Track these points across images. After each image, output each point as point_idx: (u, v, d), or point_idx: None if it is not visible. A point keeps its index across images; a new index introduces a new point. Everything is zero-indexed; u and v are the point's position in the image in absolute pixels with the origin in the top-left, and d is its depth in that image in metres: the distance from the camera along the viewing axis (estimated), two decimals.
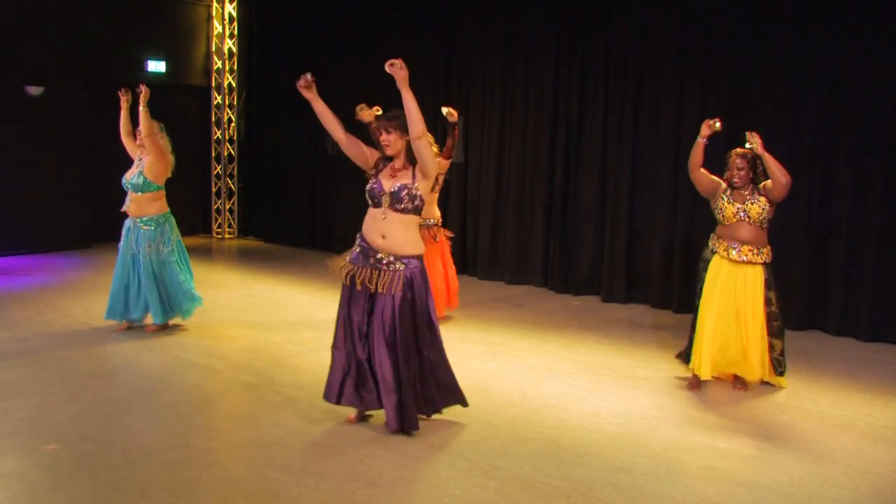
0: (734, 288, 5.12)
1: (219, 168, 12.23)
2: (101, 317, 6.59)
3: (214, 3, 11.94)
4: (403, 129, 4.28)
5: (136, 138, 6.41)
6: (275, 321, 6.88)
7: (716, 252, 5.21)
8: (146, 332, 6.31)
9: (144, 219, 6.23)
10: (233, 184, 12.34)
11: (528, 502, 3.57)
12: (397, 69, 4.15)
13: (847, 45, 6.66)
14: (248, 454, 4.06)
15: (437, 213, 6.76)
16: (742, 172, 5.07)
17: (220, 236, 12.26)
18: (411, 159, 4.30)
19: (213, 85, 12.11)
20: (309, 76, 4.32)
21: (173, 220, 6.41)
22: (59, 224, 10.25)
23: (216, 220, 12.31)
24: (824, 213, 6.90)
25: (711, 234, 5.34)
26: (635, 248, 8.02)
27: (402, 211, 4.24)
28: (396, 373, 4.21)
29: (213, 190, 12.27)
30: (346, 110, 11.18)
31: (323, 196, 11.12)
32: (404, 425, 4.23)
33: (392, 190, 4.25)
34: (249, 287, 8.47)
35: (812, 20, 6.83)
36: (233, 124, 12.27)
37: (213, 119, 12.17)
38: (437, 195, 6.58)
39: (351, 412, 4.48)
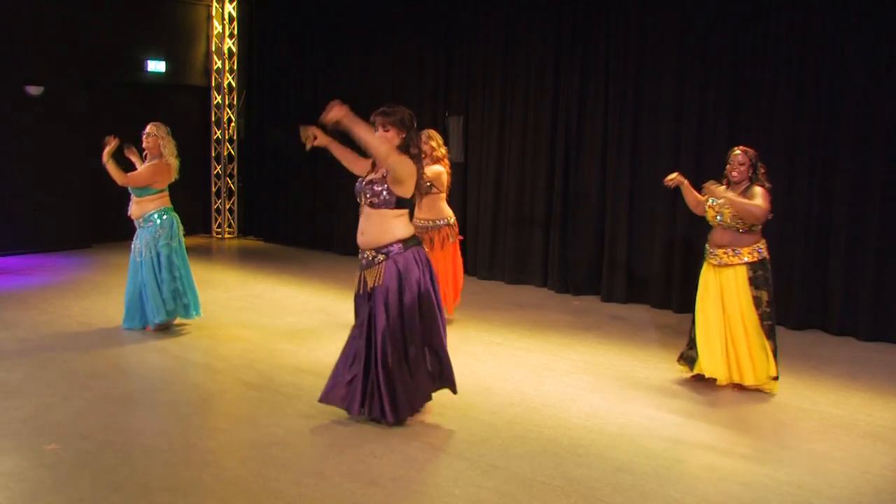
0: (720, 292, 5.16)
1: (219, 168, 12.23)
2: (101, 316, 6.59)
3: (214, 3, 11.94)
4: (401, 125, 4.29)
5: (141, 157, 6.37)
6: (275, 321, 6.88)
7: (705, 257, 5.30)
8: (145, 332, 6.31)
9: (145, 216, 6.23)
10: (233, 183, 12.34)
11: (527, 502, 3.57)
12: (335, 112, 4.07)
13: (847, 44, 6.66)
14: (247, 454, 4.06)
15: (447, 212, 6.54)
16: (743, 168, 5.08)
17: (219, 236, 12.26)
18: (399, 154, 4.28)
19: (213, 85, 12.10)
20: (309, 136, 4.38)
21: (176, 216, 6.37)
22: (58, 224, 10.25)
23: (216, 219, 12.31)
24: (824, 213, 6.89)
25: None
26: (635, 248, 8.02)
27: (372, 205, 4.29)
28: (371, 359, 4.28)
29: (213, 190, 12.27)
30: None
31: (323, 196, 11.11)
32: (370, 411, 4.31)
33: (361, 185, 4.33)
34: (249, 287, 8.47)
35: (812, 20, 6.83)
36: (233, 124, 12.27)
37: (213, 119, 12.17)
38: (440, 196, 6.47)
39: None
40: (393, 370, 4.26)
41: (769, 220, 5.14)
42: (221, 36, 11.99)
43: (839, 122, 6.74)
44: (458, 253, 6.77)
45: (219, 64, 12.04)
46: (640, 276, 8.00)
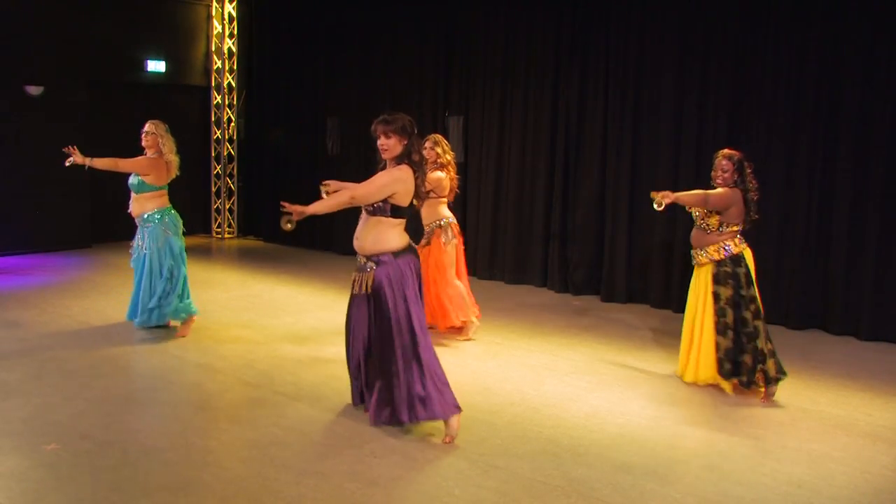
0: (698, 295, 5.22)
1: (218, 168, 12.22)
2: (101, 316, 6.59)
3: (214, 3, 11.93)
4: (402, 132, 4.26)
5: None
6: (275, 321, 6.88)
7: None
8: (144, 329, 6.31)
9: (144, 216, 6.22)
10: (232, 183, 12.33)
11: (527, 502, 3.58)
12: (295, 216, 4.28)
13: (847, 45, 6.66)
14: (247, 454, 4.07)
15: (445, 213, 6.42)
16: (726, 175, 5.08)
17: (219, 236, 12.25)
18: (399, 162, 4.27)
19: (213, 84, 12.10)
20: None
21: (176, 215, 6.34)
22: (58, 224, 10.24)
23: (216, 219, 12.30)
24: (824, 212, 6.89)
25: None
26: (635, 248, 8.02)
27: (370, 212, 4.29)
28: (371, 368, 4.32)
29: (213, 189, 12.26)
30: (346, 111, 11.24)
31: (323, 196, 11.09)
32: (376, 420, 4.32)
33: None
34: (249, 287, 8.47)
35: (812, 20, 6.83)
36: (232, 124, 12.26)
37: (213, 119, 12.16)
38: (440, 200, 6.41)
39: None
40: (377, 375, 4.29)
41: (761, 220, 5.22)
42: (221, 36, 11.99)
43: (839, 121, 6.74)
44: (462, 258, 6.67)
45: (218, 64, 12.03)
46: (640, 277, 8.01)
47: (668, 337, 6.57)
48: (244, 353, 5.84)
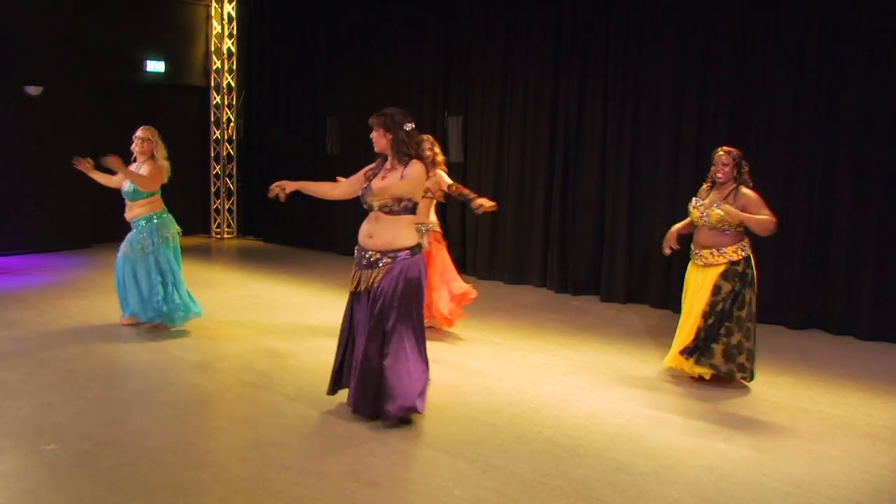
0: (698, 291, 5.21)
1: (218, 168, 12.22)
2: (100, 316, 6.59)
3: (213, 3, 11.93)
4: (386, 126, 4.33)
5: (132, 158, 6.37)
6: (274, 321, 6.88)
7: (691, 257, 5.35)
8: (143, 329, 6.33)
9: (136, 219, 6.27)
10: (232, 183, 12.33)
11: (527, 502, 3.58)
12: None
13: (847, 45, 6.66)
14: (247, 454, 4.07)
15: (431, 219, 6.49)
16: (727, 168, 5.12)
17: (219, 236, 12.25)
18: (400, 158, 4.31)
19: (212, 85, 12.10)
20: (276, 191, 4.53)
21: (167, 218, 6.36)
22: (58, 224, 10.24)
23: (215, 219, 12.30)
24: (824, 212, 6.90)
25: None
26: (635, 248, 8.02)
27: (390, 213, 4.29)
28: (364, 357, 4.29)
29: (213, 190, 12.26)
30: (346, 111, 11.23)
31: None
32: (356, 407, 4.35)
33: (373, 192, 4.30)
34: (248, 287, 8.47)
35: (812, 20, 6.83)
36: (232, 124, 12.26)
37: (212, 119, 12.16)
38: (430, 203, 6.44)
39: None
40: (384, 368, 4.28)
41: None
42: (221, 36, 11.99)
43: (839, 121, 6.74)
44: (447, 261, 6.65)
45: (218, 64, 12.03)
46: (640, 276, 8.01)
47: (668, 337, 6.54)
48: (243, 354, 5.84)
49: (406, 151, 4.31)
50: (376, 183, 4.31)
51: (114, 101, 10.87)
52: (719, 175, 5.13)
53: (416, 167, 4.28)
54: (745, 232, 5.15)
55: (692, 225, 5.33)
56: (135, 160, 6.30)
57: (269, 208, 11.92)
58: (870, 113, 6.58)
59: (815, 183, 6.90)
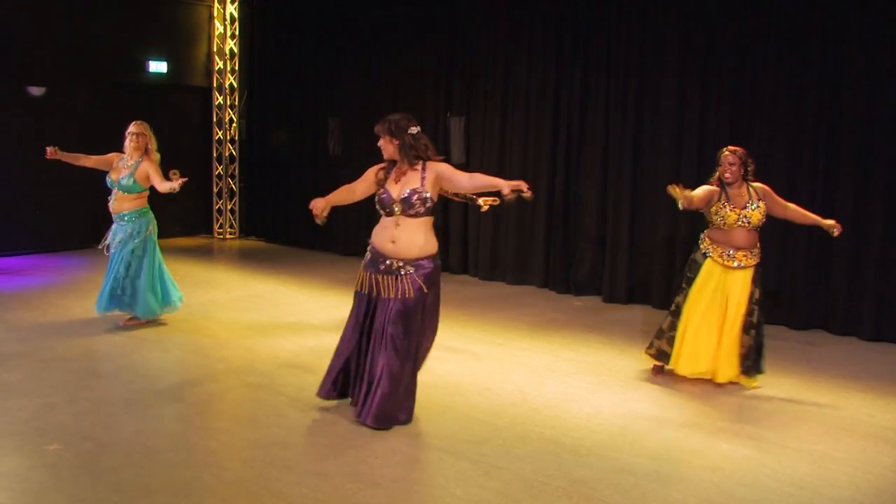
0: (725, 293, 5.15)
1: (220, 168, 12.22)
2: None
3: (216, 4, 11.93)
4: (391, 133, 4.34)
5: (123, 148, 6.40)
6: (276, 321, 6.88)
7: (709, 256, 5.21)
8: (143, 329, 6.36)
9: (123, 214, 6.34)
10: (234, 184, 12.33)
11: (529, 503, 3.57)
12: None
13: (849, 44, 6.65)
14: (249, 454, 4.07)
15: None
16: (734, 168, 5.12)
17: (221, 236, 12.25)
18: (411, 161, 4.31)
19: (215, 85, 12.09)
20: (320, 216, 4.47)
21: (151, 216, 6.46)
22: (59, 224, 10.24)
23: (217, 220, 12.30)
24: (827, 212, 6.86)
25: (701, 236, 5.35)
26: (637, 249, 8.01)
27: (415, 215, 4.27)
28: (387, 370, 4.25)
29: (215, 190, 12.26)
30: (346, 111, 11.22)
31: (324, 196, 11.09)
32: (379, 421, 4.28)
33: (403, 196, 4.27)
34: (250, 287, 8.47)
35: (814, 19, 6.83)
36: (234, 124, 12.26)
37: (215, 119, 12.16)
38: None
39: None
40: (391, 378, 4.26)
41: (768, 219, 5.24)
42: (223, 36, 11.99)
43: (841, 121, 6.73)
44: None
45: (220, 64, 12.03)
46: (642, 277, 8.00)
47: None
48: (245, 354, 5.84)
49: (416, 154, 4.31)
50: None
51: (116, 101, 10.84)
52: (727, 175, 5.12)
53: (442, 166, 4.33)
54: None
55: (706, 211, 5.20)
56: (126, 159, 6.34)
57: (271, 209, 11.97)
58: (872, 112, 6.57)
59: (818, 183, 6.89)
